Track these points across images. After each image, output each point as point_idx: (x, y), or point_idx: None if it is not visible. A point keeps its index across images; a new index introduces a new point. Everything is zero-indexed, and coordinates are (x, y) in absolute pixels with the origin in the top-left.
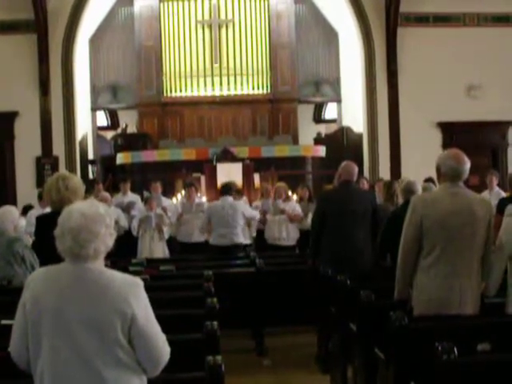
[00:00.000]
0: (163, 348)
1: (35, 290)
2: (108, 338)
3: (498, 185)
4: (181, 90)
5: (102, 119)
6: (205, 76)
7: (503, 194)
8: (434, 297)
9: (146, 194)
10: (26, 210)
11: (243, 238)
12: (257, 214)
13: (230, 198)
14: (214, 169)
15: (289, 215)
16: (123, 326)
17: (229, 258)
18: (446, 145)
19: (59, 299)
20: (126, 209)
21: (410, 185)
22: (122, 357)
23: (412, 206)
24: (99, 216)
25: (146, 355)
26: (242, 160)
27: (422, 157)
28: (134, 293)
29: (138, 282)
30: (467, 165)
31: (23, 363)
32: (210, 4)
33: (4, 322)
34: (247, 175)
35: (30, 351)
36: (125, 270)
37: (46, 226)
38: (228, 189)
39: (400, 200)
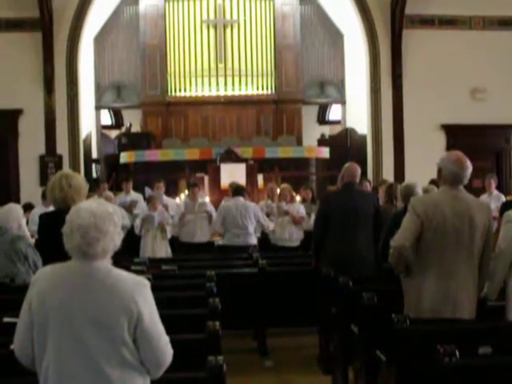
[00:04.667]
0: (166, 349)
1: (41, 288)
2: (114, 337)
3: (498, 188)
4: (185, 90)
5: (106, 118)
6: (209, 76)
7: (503, 197)
8: (429, 300)
9: (147, 190)
10: (25, 209)
11: (255, 238)
12: (271, 225)
13: (241, 199)
14: (218, 169)
15: (293, 217)
16: (129, 325)
17: (236, 257)
18: (449, 147)
19: (66, 297)
20: (129, 208)
21: (408, 189)
22: (127, 356)
23: (411, 206)
24: (108, 214)
25: (149, 356)
26: (245, 160)
27: (426, 159)
28: (140, 292)
29: (145, 282)
30: (469, 170)
31: (27, 360)
32: (216, 4)
33: (6, 319)
34: (251, 176)
35: (36, 349)
36: (127, 269)
37: (49, 224)
38: (240, 190)
39: (400, 203)
